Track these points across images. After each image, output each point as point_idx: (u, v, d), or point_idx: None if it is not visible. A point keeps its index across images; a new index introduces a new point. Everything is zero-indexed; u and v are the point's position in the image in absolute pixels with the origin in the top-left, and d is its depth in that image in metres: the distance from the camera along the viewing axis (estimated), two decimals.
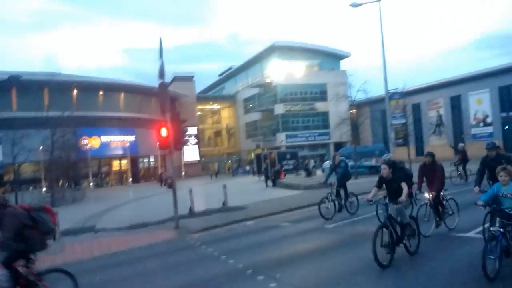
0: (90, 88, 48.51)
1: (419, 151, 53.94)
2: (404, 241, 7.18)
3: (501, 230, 5.52)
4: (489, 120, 48.01)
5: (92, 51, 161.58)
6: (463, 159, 18.78)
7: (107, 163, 53.47)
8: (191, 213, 15.89)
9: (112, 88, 51.80)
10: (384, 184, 7.71)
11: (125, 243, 11.57)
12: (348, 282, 6.11)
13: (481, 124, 48.77)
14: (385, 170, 7.60)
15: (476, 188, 6.96)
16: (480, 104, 48.69)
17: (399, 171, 7.71)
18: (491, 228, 5.61)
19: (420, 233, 7.60)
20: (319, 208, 12.39)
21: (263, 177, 32.35)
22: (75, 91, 47.36)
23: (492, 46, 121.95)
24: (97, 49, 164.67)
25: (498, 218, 5.60)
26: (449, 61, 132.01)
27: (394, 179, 7.48)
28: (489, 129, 47.74)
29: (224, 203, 17.30)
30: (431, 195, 8.63)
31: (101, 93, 51.05)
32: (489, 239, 5.51)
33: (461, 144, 19.99)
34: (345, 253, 8.02)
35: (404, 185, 7.27)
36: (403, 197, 7.08)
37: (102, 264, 9.10)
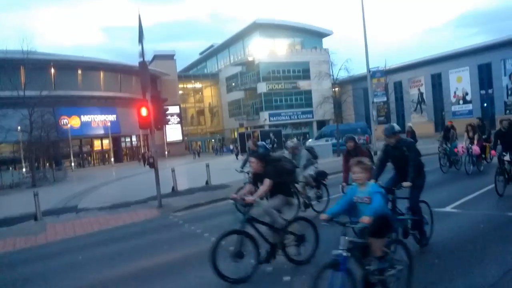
0: (68, 66, 47.46)
1: (401, 128, 54.66)
2: (278, 250, 5.80)
3: (346, 254, 3.81)
4: (468, 97, 48.78)
5: (69, 30, 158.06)
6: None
7: (88, 143, 52.84)
8: (174, 192, 15.89)
9: (91, 67, 50.76)
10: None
11: (107, 222, 11.52)
12: None
13: (461, 102, 49.55)
14: (253, 164, 6.33)
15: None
16: (460, 82, 49.35)
17: (270, 165, 6.21)
18: (333, 252, 3.90)
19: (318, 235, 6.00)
20: None
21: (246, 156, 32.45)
22: (52, 70, 46.28)
23: (470, 25, 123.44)
24: (74, 27, 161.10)
25: (344, 237, 3.89)
26: (429, 40, 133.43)
27: (264, 175, 6.11)
28: (469, 106, 48.56)
29: (207, 182, 17.33)
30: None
31: (79, 72, 50.01)
32: (328, 266, 3.85)
33: (408, 124, 19.00)
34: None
35: (265, 182, 5.96)
36: (254, 196, 5.82)
37: (84, 244, 9.06)
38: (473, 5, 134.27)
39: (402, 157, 5.95)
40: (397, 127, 6.12)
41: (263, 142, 12.87)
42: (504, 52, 43.96)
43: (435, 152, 15.89)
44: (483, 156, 14.14)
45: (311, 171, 9.47)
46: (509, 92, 44.89)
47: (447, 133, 15.30)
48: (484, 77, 46.99)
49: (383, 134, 6.21)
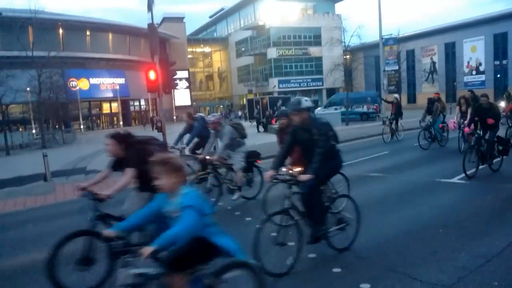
0: (76, 27, 47.02)
1: (411, 98, 54.10)
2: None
3: None
4: (482, 68, 47.81)
5: None
6: (397, 113, 16.57)
7: (97, 106, 53.00)
8: (182, 156, 15.98)
9: (99, 28, 50.26)
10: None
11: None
12: None
13: (474, 72, 48.61)
14: (109, 146, 4.79)
15: (269, 173, 4.67)
16: (474, 52, 48.26)
17: (133, 149, 4.71)
18: None
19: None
20: None
21: (254, 122, 32.40)
22: (61, 31, 45.89)
23: None
24: None
25: (125, 269, 2.90)
26: (444, 7, 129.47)
27: (126, 162, 4.71)
28: (482, 77, 47.68)
29: (215, 148, 17.36)
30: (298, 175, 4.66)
31: (88, 33, 49.57)
32: None
33: (395, 96, 17.34)
34: None
35: (126, 171, 4.68)
36: (110, 191, 4.68)
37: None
38: None
39: (310, 142, 4.65)
40: (306, 103, 4.71)
41: (202, 115, 10.95)
42: None
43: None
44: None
45: (237, 154, 7.98)
46: None
47: (430, 106, 14.13)
48: (499, 47, 45.85)
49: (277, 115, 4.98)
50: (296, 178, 4.52)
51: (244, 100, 56.28)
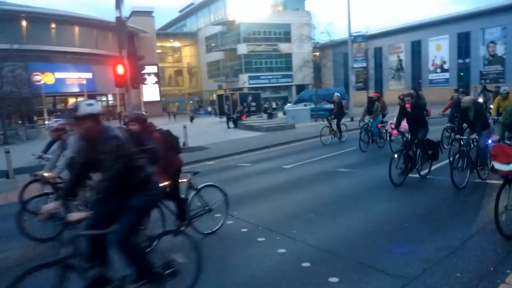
0: (41, 19, 45.54)
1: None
2: None
3: None
4: (446, 66, 49.24)
5: None
6: (339, 113, 15.45)
7: (62, 101, 51.54)
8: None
9: (65, 21, 48.83)
10: None
11: None
12: (301, 219, 6.35)
13: (439, 70, 50.02)
14: None
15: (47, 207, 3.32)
16: (439, 50, 49.64)
17: None
18: None
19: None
20: None
21: (224, 118, 32.31)
22: (24, 23, 44.35)
23: None
24: None
25: None
26: (410, 6, 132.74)
27: None
28: (446, 75, 49.11)
29: (184, 143, 17.25)
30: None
31: (53, 25, 48.08)
32: None
33: (336, 94, 15.89)
34: (299, 192, 8.27)
35: None
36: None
37: None
38: None
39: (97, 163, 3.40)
40: (87, 108, 3.30)
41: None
42: (484, 21, 44.20)
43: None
44: None
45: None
46: (485, 62, 45.49)
47: (370, 106, 13.59)
48: (463, 46, 47.33)
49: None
50: (66, 219, 3.21)
51: (214, 96, 55.99)
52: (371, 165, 10.60)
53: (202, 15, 69.85)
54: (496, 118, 10.04)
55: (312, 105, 31.55)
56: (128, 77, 12.67)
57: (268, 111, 36.24)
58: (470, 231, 5.25)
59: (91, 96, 51.02)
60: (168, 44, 70.46)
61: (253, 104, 37.73)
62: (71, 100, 51.60)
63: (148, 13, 60.64)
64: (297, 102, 37.05)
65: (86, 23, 51.29)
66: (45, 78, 45.73)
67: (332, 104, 16.00)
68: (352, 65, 29.06)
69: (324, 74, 47.54)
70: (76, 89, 49.22)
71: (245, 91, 50.26)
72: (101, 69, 49.24)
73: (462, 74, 47.29)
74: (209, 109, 55.89)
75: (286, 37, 58.70)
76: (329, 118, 15.82)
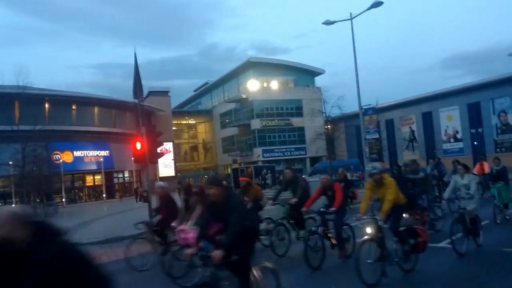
0: (62, 102, 47.73)
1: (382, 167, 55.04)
2: None
3: None
4: (459, 135, 49.46)
5: (63, 66, 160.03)
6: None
7: (80, 178, 52.40)
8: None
9: (85, 102, 51.10)
10: None
11: (101, 256, 11.32)
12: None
13: (452, 140, 50.19)
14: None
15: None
16: (451, 120, 50.19)
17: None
18: None
19: None
20: None
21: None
22: (47, 105, 46.49)
23: (455, 66, 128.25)
24: (68, 64, 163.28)
25: None
26: (417, 80, 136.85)
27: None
28: (460, 145, 49.19)
29: None
30: None
31: (74, 107, 50.27)
32: None
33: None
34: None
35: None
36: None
37: None
38: (457, 49, 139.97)
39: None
40: None
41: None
42: (492, 92, 45.05)
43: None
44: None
45: None
46: (499, 131, 45.65)
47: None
48: (474, 115, 47.87)
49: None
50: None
51: (229, 169, 56.43)
52: None
53: (216, 93, 72.58)
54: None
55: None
56: (146, 152, 13.03)
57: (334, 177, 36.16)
58: None
59: (108, 173, 51.94)
60: (183, 122, 72.55)
61: (268, 176, 37.87)
62: (89, 178, 52.51)
63: (164, 93, 63.25)
64: (312, 173, 37.12)
65: (105, 103, 53.53)
66: (64, 157, 46.96)
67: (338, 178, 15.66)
68: (365, 136, 29.36)
69: (337, 146, 48.02)
70: (94, 167, 50.22)
71: (260, 164, 50.69)
72: (118, 146, 50.53)
73: (476, 143, 47.33)
74: (224, 183, 55.92)
75: (298, 111, 60.19)
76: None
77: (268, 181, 37.47)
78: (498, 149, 44.97)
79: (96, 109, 52.80)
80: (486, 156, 44.12)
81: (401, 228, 7.02)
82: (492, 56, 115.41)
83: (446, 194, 8.96)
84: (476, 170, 16.62)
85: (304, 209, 8.87)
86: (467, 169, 9.87)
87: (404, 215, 9.19)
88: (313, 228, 8.32)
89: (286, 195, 11.25)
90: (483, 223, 9.82)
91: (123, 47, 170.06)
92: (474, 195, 8.56)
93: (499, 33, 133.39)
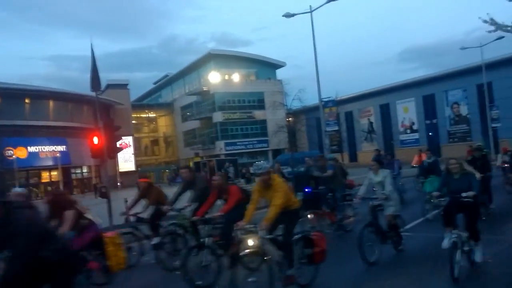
0: (15, 95, 45.67)
1: (353, 157, 56.33)
2: None
3: None
4: (415, 127, 51.14)
5: (14, 58, 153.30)
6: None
7: (36, 175, 50.47)
8: (128, 223, 15.42)
9: (39, 96, 49.10)
10: None
11: None
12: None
13: (408, 131, 51.84)
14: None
15: None
16: (407, 112, 51.79)
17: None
18: None
19: None
20: None
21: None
22: None
23: (411, 59, 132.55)
24: (20, 55, 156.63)
25: None
26: (374, 73, 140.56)
27: None
28: (416, 136, 50.87)
29: None
30: None
31: (27, 100, 48.21)
32: None
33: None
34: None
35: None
36: None
37: None
38: (413, 43, 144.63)
39: None
40: None
41: None
42: (446, 84, 46.79)
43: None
44: None
45: None
46: (452, 122, 47.53)
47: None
48: (429, 107, 49.59)
49: None
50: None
51: (191, 163, 55.99)
52: None
53: (177, 86, 71.61)
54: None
55: (289, 169, 31.86)
56: (104, 147, 12.69)
57: (246, 176, 36.37)
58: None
59: (66, 169, 50.34)
60: (143, 115, 71.20)
61: (231, 170, 37.83)
62: (45, 174, 50.72)
63: (123, 86, 61.74)
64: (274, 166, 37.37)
65: (61, 97, 51.67)
66: (18, 153, 45.06)
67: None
68: (325, 129, 29.84)
69: (299, 138, 48.56)
70: (50, 162, 48.50)
71: (222, 157, 50.57)
72: (76, 141, 48.99)
73: (431, 134, 49.09)
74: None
75: (260, 104, 60.36)
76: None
77: (231, 175, 37.35)
78: (451, 139, 46.90)
79: (51, 103, 50.86)
80: (440, 147, 45.95)
81: (296, 237, 6.12)
82: (445, 49, 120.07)
83: (361, 192, 7.94)
84: (414, 162, 16.53)
85: (194, 218, 7.59)
86: (381, 163, 8.56)
87: (308, 216, 9.16)
88: (201, 241, 6.83)
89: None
90: (413, 223, 9.97)
91: (79, 38, 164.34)
92: (390, 196, 7.49)
93: (451, 28, 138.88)
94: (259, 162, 6.36)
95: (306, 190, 9.73)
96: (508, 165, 14.34)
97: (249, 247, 5.62)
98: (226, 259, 6.33)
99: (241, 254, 5.64)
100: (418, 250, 7.87)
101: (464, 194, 6.02)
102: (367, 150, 50.91)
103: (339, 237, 9.49)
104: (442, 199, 7.35)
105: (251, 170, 45.58)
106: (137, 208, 9.17)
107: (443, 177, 6.80)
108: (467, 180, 6.24)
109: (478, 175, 7.65)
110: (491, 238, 7.64)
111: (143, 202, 9.21)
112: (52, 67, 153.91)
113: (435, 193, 7.06)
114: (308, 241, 6.15)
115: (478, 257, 6.18)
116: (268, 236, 5.74)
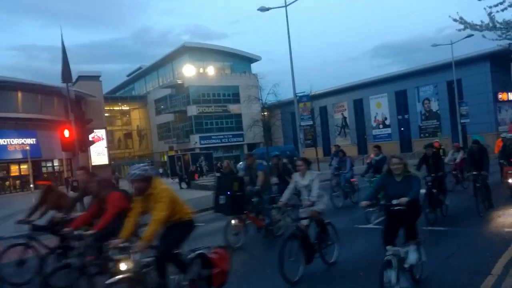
0: None
1: (327, 151, 56.93)
2: None
3: None
4: (387, 122, 52.04)
5: None
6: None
7: (4, 168, 49.05)
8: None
9: (7, 87, 47.59)
10: None
11: (26, 250, 10.70)
12: (257, 273, 6.28)
13: (381, 126, 52.72)
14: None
15: None
16: (380, 107, 52.62)
17: None
18: None
19: None
20: None
21: (177, 179, 31.95)
22: None
23: (384, 55, 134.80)
24: None
25: None
26: (349, 68, 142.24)
27: None
28: (388, 130, 51.77)
29: None
30: None
31: None
32: None
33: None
34: (256, 248, 8.21)
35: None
36: None
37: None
38: (386, 39, 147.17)
39: None
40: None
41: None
42: (418, 80, 47.73)
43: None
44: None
45: None
46: (423, 118, 48.58)
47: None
48: (401, 103, 50.50)
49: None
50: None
51: (165, 157, 55.47)
52: None
53: (151, 78, 70.64)
54: None
55: (264, 162, 31.97)
56: (75, 140, 12.44)
57: (221, 170, 36.32)
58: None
59: (36, 162, 49.07)
60: (116, 108, 70.03)
61: (206, 163, 37.72)
62: (14, 167, 49.35)
63: (95, 78, 60.39)
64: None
65: (29, 88, 50.20)
66: None
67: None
68: (299, 123, 30.05)
69: (274, 132, 48.79)
70: (19, 156, 47.20)
71: (197, 151, 50.30)
72: (46, 134, 47.77)
73: (403, 129, 50.06)
74: (161, 170, 54.99)
75: (235, 98, 60.22)
76: None
77: (205, 169, 37.30)
78: (422, 135, 47.93)
79: (19, 94, 49.39)
80: (411, 142, 46.87)
81: (191, 255, 5.14)
82: (417, 46, 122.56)
83: (284, 197, 6.86)
84: (368, 159, 15.70)
85: (67, 229, 6.12)
86: (307, 163, 7.03)
87: (232, 221, 8.56)
88: (71, 260, 5.65)
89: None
90: (358, 226, 9.69)
91: (48, 28, 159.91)
92: (317, 202, 6.56)
93: (423, 25, 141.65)
94: (136, 165, 5.23)
95: (228, 193, 8.70)
96: (457, 162, 14.17)
97: (121, 272, 4.55)
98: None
99: (108, 282, 4.54)
100: (353, 262, 6.88)
101: (395, 202, 5.06)
102: (341, 145, 51.46)
103: (268, 244, 8.85)
104: (371, 209, 5.59)
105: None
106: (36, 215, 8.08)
107: (381, 179, 5.59)
108: (410, 183, 5.21)
109: (420, 175, 5.78)
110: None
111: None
112: (20, 57, 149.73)
113: (364, 203, 5.48)
114: (206, 260, 5.18)
115: (411, 258, 5.18)
116: (146, 260, 4.77)
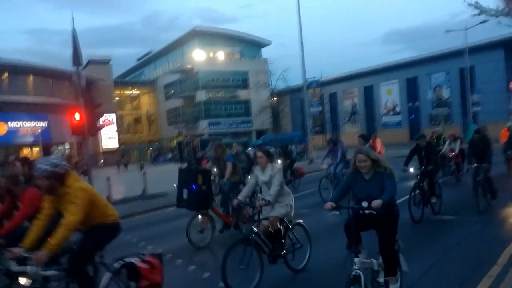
0: None
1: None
2: None
3: None
4: (398, 109, 51.61)
5: None
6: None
7: (16, 152, 49.65)
8: (109, 201, 15.39)
9: (19, 70, 47.89)
10: None
11: None
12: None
13: (391, 113, 52.31)
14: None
15: None
16: (390, 94, 52.14)
17: None
18: None
19: None
20: None
21: (185, 164, 32.11)
22: None
23: (395, 41, 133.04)
24: None
25: None
26: (360, 54, 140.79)
27: None
28: (398, 118, 51.37)
29: (144, 191, 17.00)
30: None
31: (6, 75, 47.06)
32: None
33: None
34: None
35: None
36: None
37: None
38: (398, 25, 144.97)
39: None
40: None
41: None
42: (429, 67, 47.11)
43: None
44: None
45: None
46: (434, 105, 48.07)
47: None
48: (412, 90, 49.98)
49: None
50: None
51: (174, 142, 55.68)
52: None
53: (160, 63, 70.55)
54: None
55: (273, 149, 31.96)
56: (85, 124, 12.52)
57: (232, 155, 36.42)
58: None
59: (46, 146, 49.58)
60: (126, 92, 70.24)
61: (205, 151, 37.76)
62: (25, 151, 49.92)
63: (105, 62, 60.62)
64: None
65: (41, 72, 50.50)
66: None
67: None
68: (309, 110, 29.94)
69: (282, 119, 48.62)
70: (30, 139, 47.71)
71: (206, 137, 50.38)
72: (57, 118, 48.15)
73: (413, 116, 49.62)
74: (169, 155, 55.31)
75: (244, 84, 60.00)
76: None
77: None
78: (432, 122, 47.47)
79: (31, 78, 49.72)
80: (421, 130, 46.56)
81: (115, 265, 4.30)
82: (430, 32, 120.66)
83: (241, 194, 5.89)
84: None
85: None
86: (269, 155, 5.98)
87: (199, 217, 7.78)
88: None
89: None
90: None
91: (58, 11, 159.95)
92: (277, 203, 5.65)
93: (437, 10, 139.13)
94: (43, 158, 4.31)
95: (193, 186, 7.79)
96: (454, 153, 13.63)
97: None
98: None
99: None
100: (325, 269, 5.88)
101: (364, 204, 4.14)
102: (349, 132, 51.27)
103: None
104: (337, 212, 4.29)
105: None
106: None
107: (349, 177, 4.74)
108: (381, 183, 4.35)
109: (396, 175, 4.53)
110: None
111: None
112: (31, 41, 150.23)
113: (327, 205, 4.41)
114: (134, 271, 4.32)
115: None
116: (47, 273, 3.98)
